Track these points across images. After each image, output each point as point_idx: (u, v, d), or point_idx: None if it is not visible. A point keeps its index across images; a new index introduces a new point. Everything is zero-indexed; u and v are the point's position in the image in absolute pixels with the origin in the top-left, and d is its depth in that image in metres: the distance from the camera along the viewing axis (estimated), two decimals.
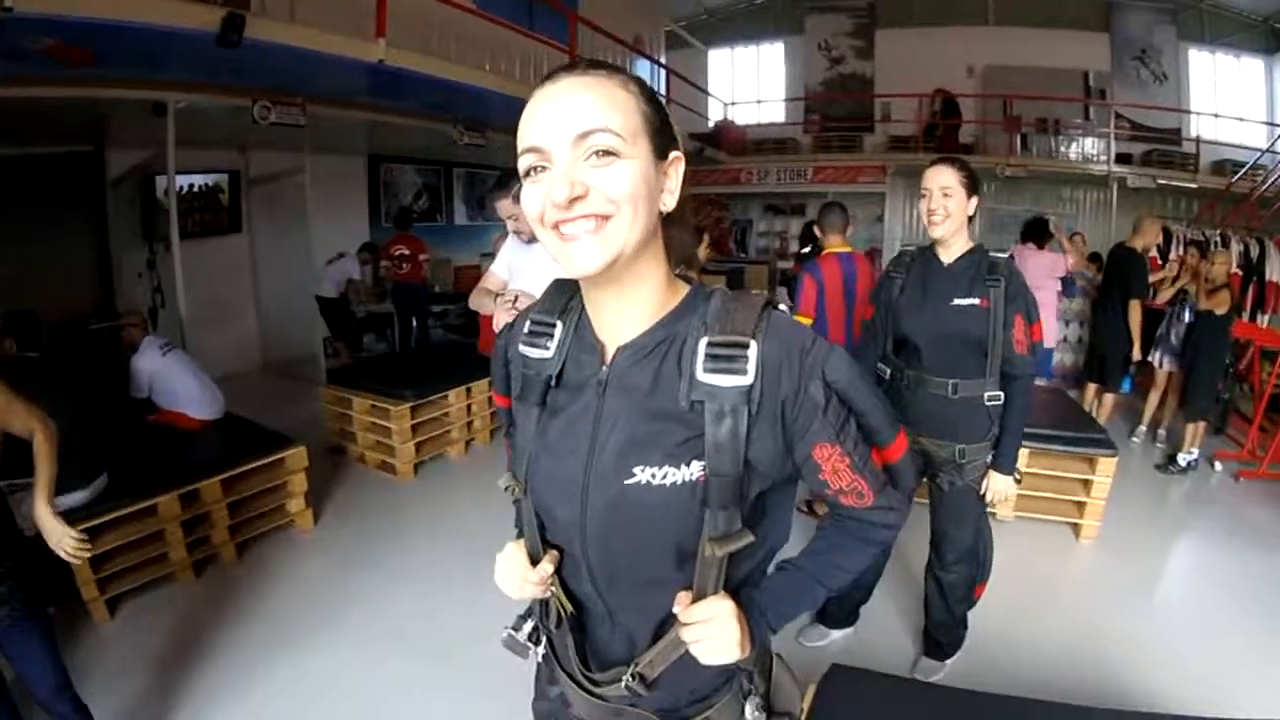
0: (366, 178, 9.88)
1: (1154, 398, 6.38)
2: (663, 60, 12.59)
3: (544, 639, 1.23)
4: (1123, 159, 12.23)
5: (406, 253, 8.22)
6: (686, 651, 1.02)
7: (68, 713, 2.29)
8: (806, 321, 4.00)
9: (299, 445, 4.37)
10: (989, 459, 2.68)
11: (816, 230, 4.30)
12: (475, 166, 11.51)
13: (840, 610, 3.36)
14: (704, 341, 0.96)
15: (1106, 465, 4.31)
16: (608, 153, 0.88)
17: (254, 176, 8.13)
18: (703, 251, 4.60)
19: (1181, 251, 8.54)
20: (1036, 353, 2.60)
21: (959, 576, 2.92)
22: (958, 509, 2.81)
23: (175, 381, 4.43)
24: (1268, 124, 12.23)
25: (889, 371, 2.81)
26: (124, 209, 7.09)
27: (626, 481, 0.97)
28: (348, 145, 8.87)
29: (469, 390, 5.77)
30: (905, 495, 1.12)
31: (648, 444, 0.97)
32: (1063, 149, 13.19)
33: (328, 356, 8.00)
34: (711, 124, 14.24)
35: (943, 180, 2.52)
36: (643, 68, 11.64)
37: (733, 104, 14.98)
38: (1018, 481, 2.75)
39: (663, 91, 11.54)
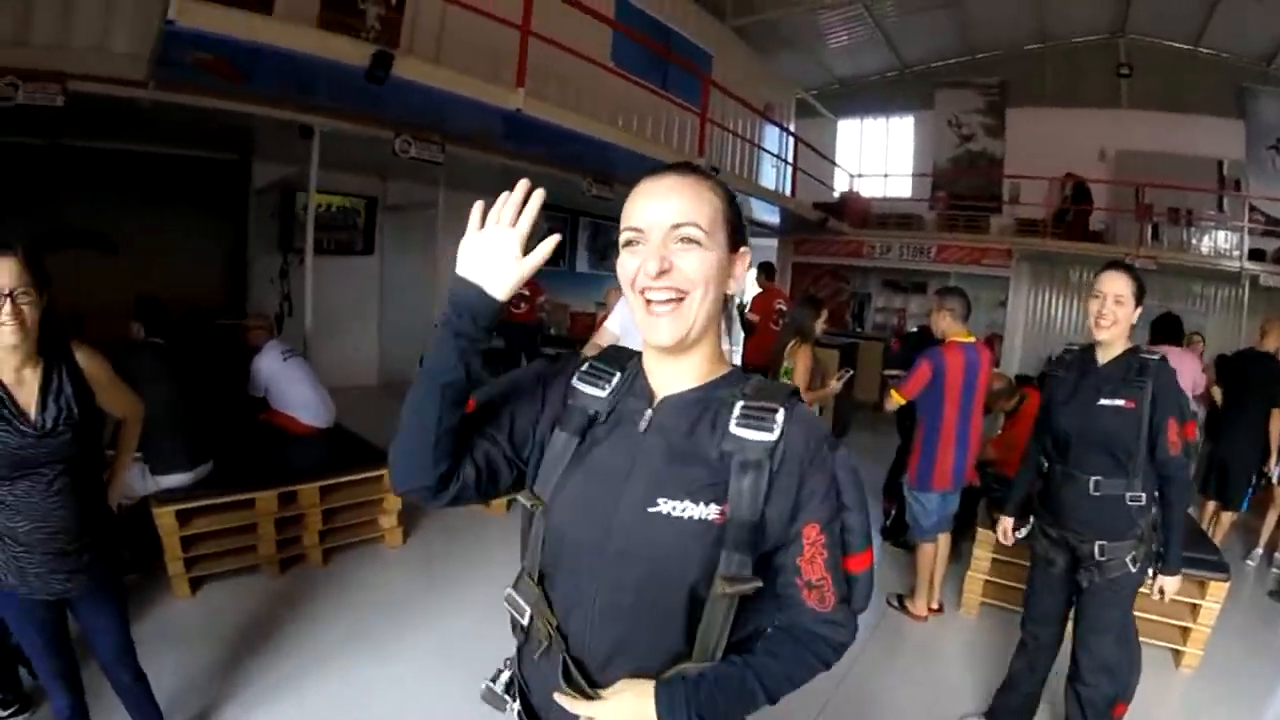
0: None
1: (1272, 517, 5.87)
2: (791, 128, 12.73)
3: (519, 691, 1.30)
4: (1255, 255, 11.44)
5: (525, 293, 8.42)
6: None
7: (127, 680, 2.44)
8: (899, 402, 4.08)
9: None
10: (1129, 559, 2.68)
11: (936, 318, 4.28)
12: (600, 217, 11.87)
13: (1006, 706, 3.26)
14: (740, 404, 1.14)
15: (1218, 590, 3.97)
16: (692, 241, 1.11)
17: (390, 203, 8.64)
18: (819, 324, 4.66)
19: None
20: (1190, 453, 2.73)
21: (1098, 692, 2.83)
22: (1096, 614, 2.78)
23: (291, 386, 4.73)
24: None
25: (1047, 465, 2.94)
26: (264, 218, 7.64)
27: (649, 509, 1.10)
28: (481, 184, 9.12)
29: None
30: (855, 616, 1.22)
31: (675, 480, 1.11)
32: (1194, 241, 12.52)
33: None
34: (836, 194, 14.19)
35: (1118, 288, 2.61)
36: (771, 134, 11.84)
37: (859, 175, 14.94)
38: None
39: (789, 159, 11.69)
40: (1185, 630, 4.04)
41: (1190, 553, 4.07)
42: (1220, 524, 5.76)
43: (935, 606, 4.37)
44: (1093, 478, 2.69)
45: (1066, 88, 13.50)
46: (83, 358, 2.19)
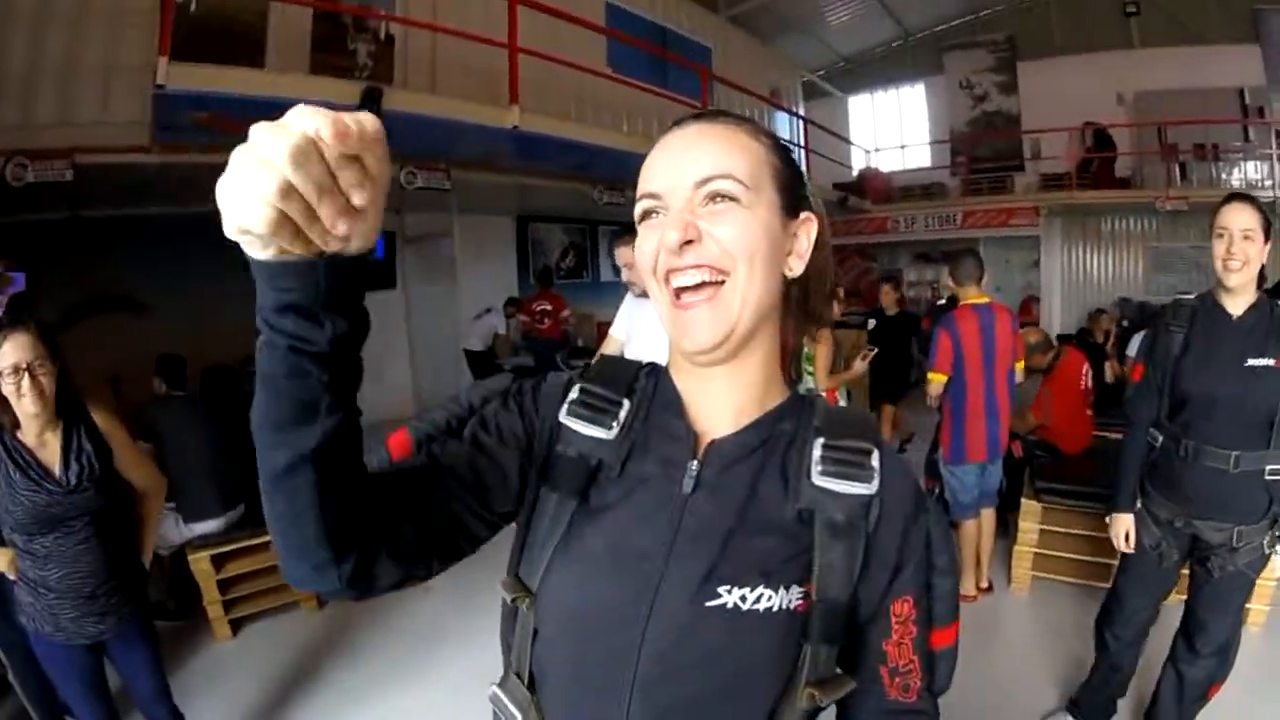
0: (515, 236, 10.40)
1: None
2: (800, 111, 12.66)
3: None
4: None
5: (548, 309, 8.51)
6: None
7: (163, 718, 2.56)
8: (941, 379, 3.87)
9: None
10: (1265, 541, 2.39)
11: (949, 281, 4.12)
12: (618, 224, 11.76)
13: (1091, 702, 3.04)
14: (820, 442, 0.82)
15: None
16: (727, 197, 0.79)
17: (408, 235, 8.75)
18: (836, 308, 4.56)
19: None
20: None
21: (1203, 672, 2.61)
22: (1224, 597, 2.51)
23: None
24: None
25: (1160, 439, 2.54)
26: None
27: (708, 604, 0.77)
28: (495, 206, 9.37)
29: None
30: (935, 703, 0.91)
31: (743, 559, 0.79)
32: (1224, 176, 12.13)
33: None
34: (855, 173, 14.11)
35: (1244, 222, 2.28)
36: (780, 120, 11.77)
37: (876, 150, 14.86)
38: None
39: (801, 143, 11.62)
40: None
41: None
42: None
43: (984, 585, 4.23)
44: (1233, 453, 2.32)
45: (1076, 34, 13.18)
46: (99, 418, 2.33)
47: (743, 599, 0.77)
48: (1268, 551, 2.39)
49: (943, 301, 9.44)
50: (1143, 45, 12.66)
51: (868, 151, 14.70)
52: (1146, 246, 12.61)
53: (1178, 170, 12.02)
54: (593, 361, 1.01)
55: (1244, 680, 3.10)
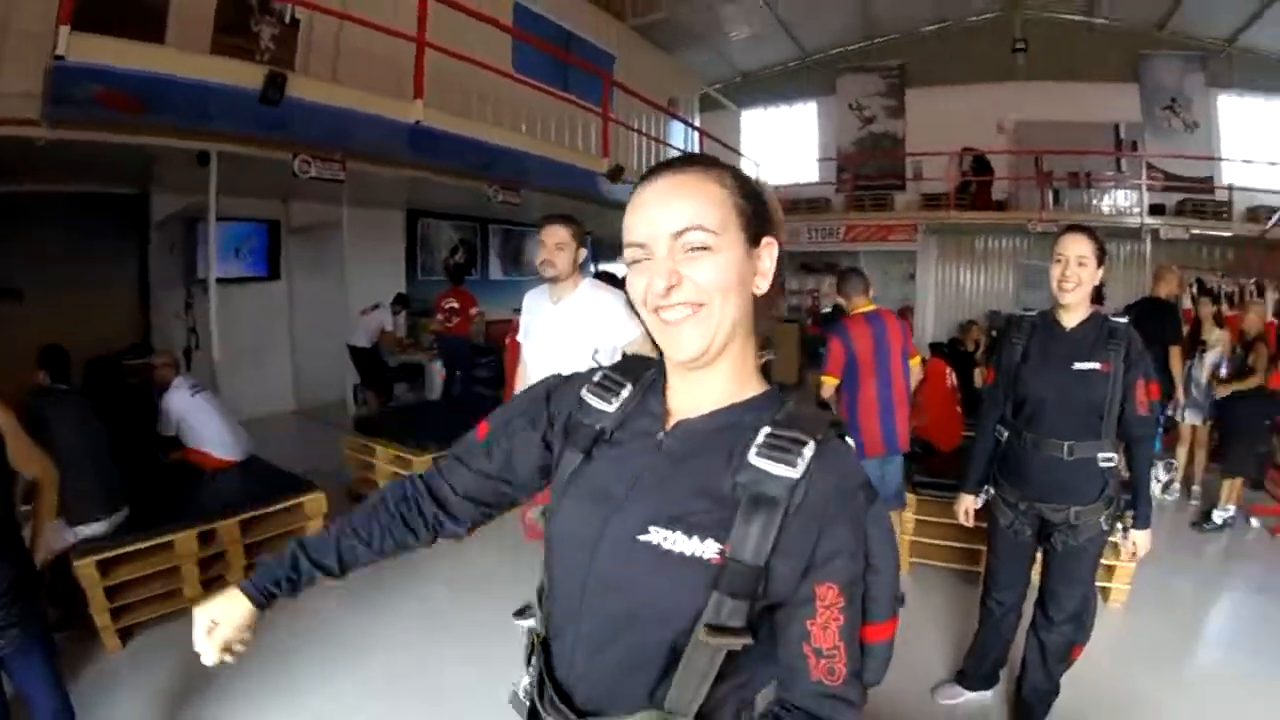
0: (404, 231, 10.16)
1: (1182, 454, 6.29)
2: (696, 122, 12.82)
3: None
4: (1156, 210, 12.24)
5: (456, 306, 8.30)
6: None
7: None
8: (832, 383, 4.04)
9: (318, 491, 4.45)
10: (1101, 519, 2.72)
11: (839, 296, 4.30)
12: (511, 223, 11.80)
13: (977, 672, 3.34)
14: (765, 430, 0.96)
15: (1140, 542, 4.15)
16: (701, 247, 0.96)
17: (294, 226, 8.42)
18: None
19: (1222, 304, 8.53)
20: (1155, 411, 2.73)
21: (1063, 638, 2.92)
22: (1070, 569, 2.83)
23: (202, 422, 4.59)
24: None
25: (1006, 434, 2.88)
26: (166, 251, 7.35)
27: (639, 537, 0.97)
28: (386, 199, 9.12)
29: None
30: (864, 693, 1.01)
31: (673, 509, 0.97)
32: (1095, 202, 13.25)
33: (357, 404, 8.16)
34: None
35: (1079, 250, 2.59)
36: (676, 130, 11.90)
37: (764, 164, 15.15)
38: None
39: (695, 152, 11.77)
40: (1111, 568, 4.20)
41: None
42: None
43: None
44: (1067, 443, 2.67)
45: (964, 66, 14.02)
46: None
47: (665, 539, 0.95)
48: (1105, 528, 2.73)
49: (827, 310, 9.79)
50: (1027, 78, 13.56)
51: (757, 165, 14.98)
52: (1017, 264, 13.46)
53: (1051, 195, 12.93)
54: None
55: (1108, 651, 3.64)
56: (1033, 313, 2.90)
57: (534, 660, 1.15)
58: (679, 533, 0.94)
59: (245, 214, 7.79)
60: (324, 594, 4.11)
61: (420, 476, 1.33)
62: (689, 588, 0.92)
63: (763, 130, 16.37)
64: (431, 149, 6.45)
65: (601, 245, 14.45)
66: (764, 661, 1.01)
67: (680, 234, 0.96)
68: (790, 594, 0.94)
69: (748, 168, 14.53)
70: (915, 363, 4.28)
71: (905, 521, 4.48)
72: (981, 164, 13.32)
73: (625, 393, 1.12)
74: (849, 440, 1.03)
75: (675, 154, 11.61)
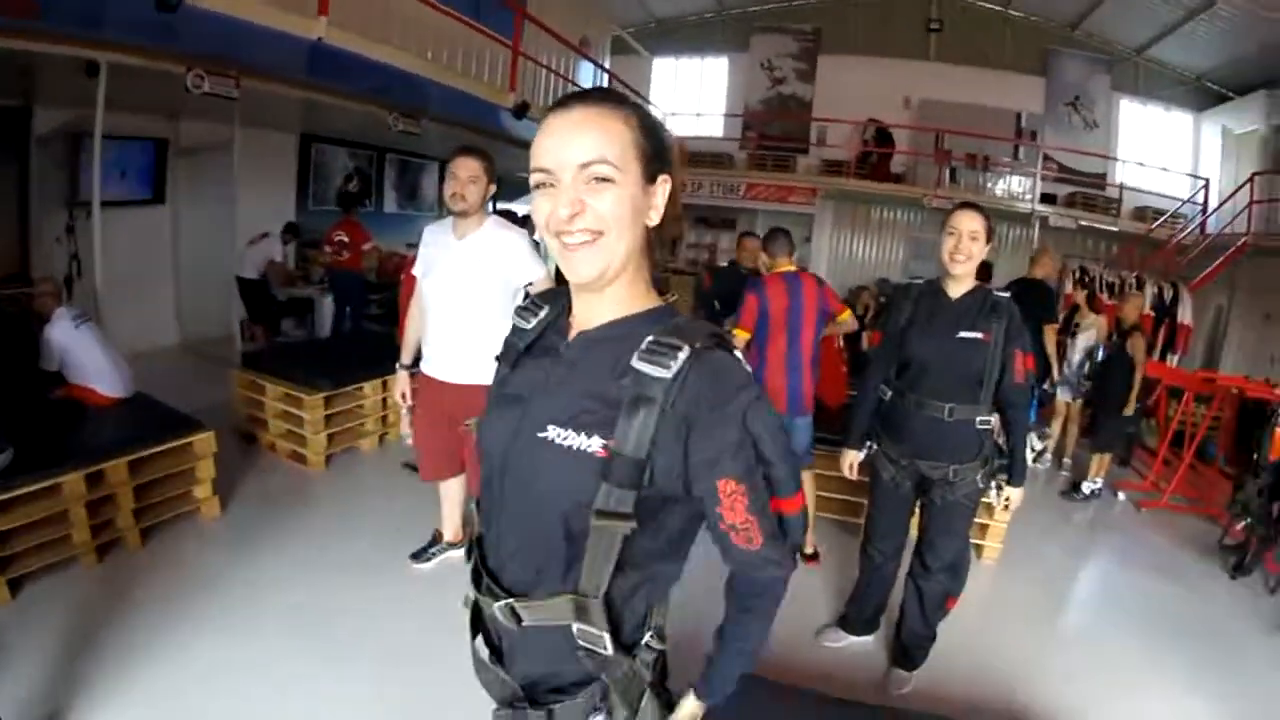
0: (297, 157, 9.64)
1: (1057, 426, 6.72)
2: (606, 65, 12.61)
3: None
4: (1047, 199, 12.92)
5: (346, 239, 7.98)
6: (560, 637, 1.16)
7: None
8: (744, 336, 4.04)
9: (208, 430, 4.24)
10: (978, 477, 2.91)
11: (763, 255, 4.28)
12: (408, 154, 11.43)
13: (859, 618, 3.55)
14: (649, 338, 1.07)
15: (1012, 498, 4.40)
16: (604, 179, 1.06)
17: (182, 146, 7.87)
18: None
19: (1102, 294, 9.06)
20: (1030, 380, 2.93)
21: (938, 585, 3.13)
22: (947, 522, 3.02)
23: (87, 356, 4.29)
24: (1191, 176, 13.07)
25: (890, 394, 3.05)
26: (48, 170, 6.72)
27: (538, 434, 1.12)
28: (280, 121, 8.60)
29: (385, 383, 5.62)
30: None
31: (566, 410, 1.11)
32: (990, 185, 13.78)
33: (244, 339, 7.79)
34: None
35: (971, 225, 2.74)
36: (585, 70, 11.68)
37: (672, 114, 15.10)
38: None
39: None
40: (984, 527, 4.54)
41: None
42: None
43: (809, 552, 4.45)
44: (947, 405, 2.84)
45: (877, 38, 14.38)
46: None
47: (559, 436, 1.10)
48: (980, 485, 2.94)
49: (723, 264, 9.85)
50: (937, 59, 14.10)
51: (665, 113, 14.91)
52: (909, 236, 13.92)
53: (948, 174, 13.39)
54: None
55: (980, 604, 3.98)
56: (920, 281, 3.08)
57: (472, 552, 1.29)
58: (570, 430, 1.09)
59: (132, 132, 7.17)
60: (210, 546, 3.99)
61: None
62: (581, 478, 1.07)
63: (673, 80, 16.25)
64: (332, 70, 6.11)
65: (501, 183, 14.23)
66: (662, 559, 1.20)
67: (586, 165, 1.05)
68: (673, 485, 1.09)
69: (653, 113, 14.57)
70: (845, 316, 4.31)
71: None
72: (884, 136, 13.65)
73: (543, 313, 1.27)
74: (736, 353, 1.13)
75: None
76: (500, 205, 10.82)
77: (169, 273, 8.17)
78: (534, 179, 1.10)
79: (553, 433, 1.10)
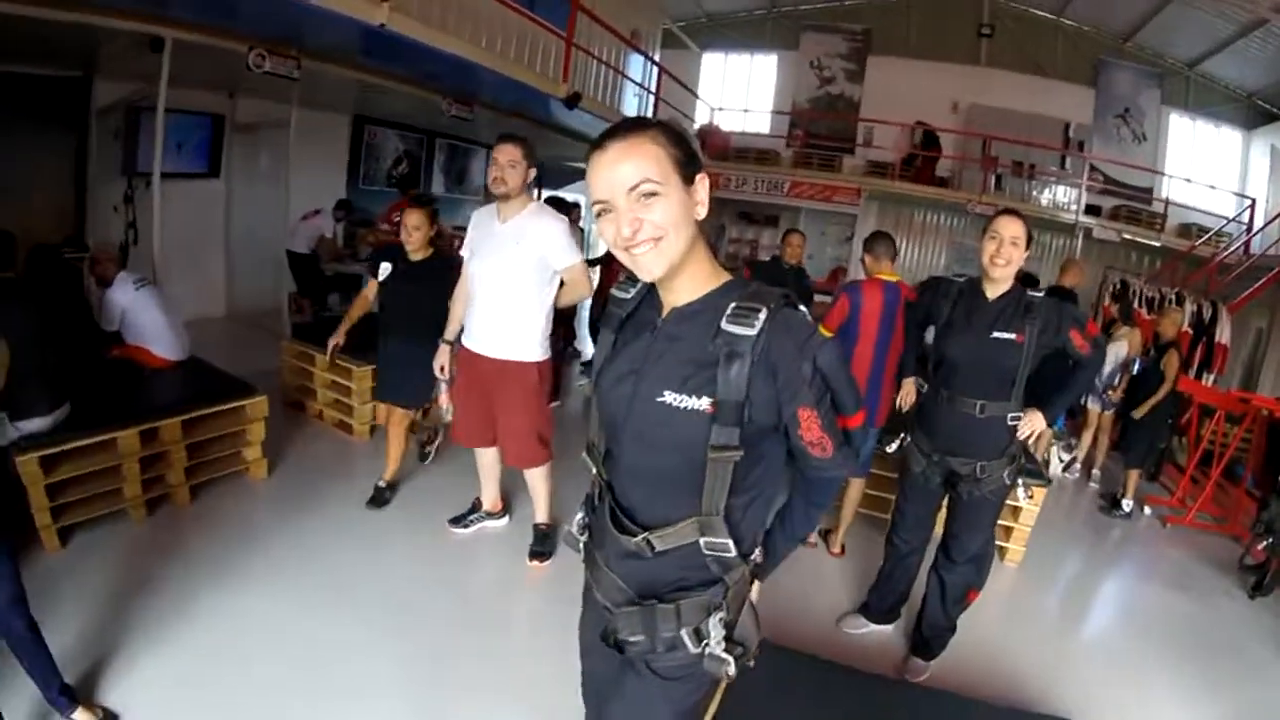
0: (349, 137, 9.83)
1: (1087, 437, 6.68)
2: (656, 57, 12.65)
3: (588, 533, 1.64)
4: (1092, 210, 12.74)
5: (399, 218, 8.09)
6: (687, 552, 1.41)
7: (20, 629, 2.34)
8: (825, 335, 3.99)
9: (261, 395, 4.40)
10: (1005, 474, 3.01)
11: (865, 256, 4.23)
12: (458, 139, 11.52)
13: (880, 606, 3.64)
14: (732, 304, 1.32)
15: (1038, 494, 4.50)
16: (651, 194, 1.28)
17: (239, 122, 8.06)
18: None
19: (1136, 306, 8.98)
20: (1100, 344, 3.07)
21: (961, 578, 3.23)
22: (973, 516, 3.12)
23: (146, 317, 4.46)
24: (1238, 194, 12.85)
25: (926, 388, 3.24)
26: (107, 140, 6.91)
27: (657, 399, 1.35)
28: (335, 102, 8.78)
29: None
30: (855, 453, 1.49)
31: (676, 377, 1.35)
32: (1035, 193, 13.63)
33: (291, 312, 7.96)
34: (696, 126, 14.28)
35: (1014, 231, 2.84)
36: (635, 63, 11.72)
37: (720, 109, 15.09)
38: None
39: (653, 88, 11.65)
40: (1009, 529, 4.58)
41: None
42: (1041, 439, 6.27)
43: (836, 550, 4.49)
44: (979, 402, 2.93)
45: (928, 41, 14.32)
46: None
47: (674, 400, 1.34)
48: (1008, 482, 3.04)
49: (764, 259, 9.82)
50: (988, 64, 14.01)
51: (712, 109, 14.91)
52: (951, 241, 13.82)
53: (993, 180, 13.27)
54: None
55: (999, 604, 4.08)
56: (961, 279, 3.14)
57: (602, 494, 1.53)
58: (684, 394, 1.33)
59: (191, 107, 7.36)
60: (257, 506, 4.12)
61: None
62: (697, 428, 1.32)
63: (721, 75, 16.23)
64: (390, 54, 6.25)
65: (550, 171, 14.32)
66: (764, 483, 1.45)
67: (634, 188, 1.27)
68: (770, 417, 1.34)
69: (702, 111, 14.63)
70: None
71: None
72: (931, 139, 13.55)
73: (640, 285, 1.51)
74: (801, 308, 1.37)
75: (633, 86, 11.50)
76: (549, 192, 10.94)
77: (220, 245, 8.38)
78: (595, 209, 1.33)
79: (670, 397, 1.34)
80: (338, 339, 4.51)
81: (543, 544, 3.98)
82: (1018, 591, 4.38)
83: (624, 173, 1.28)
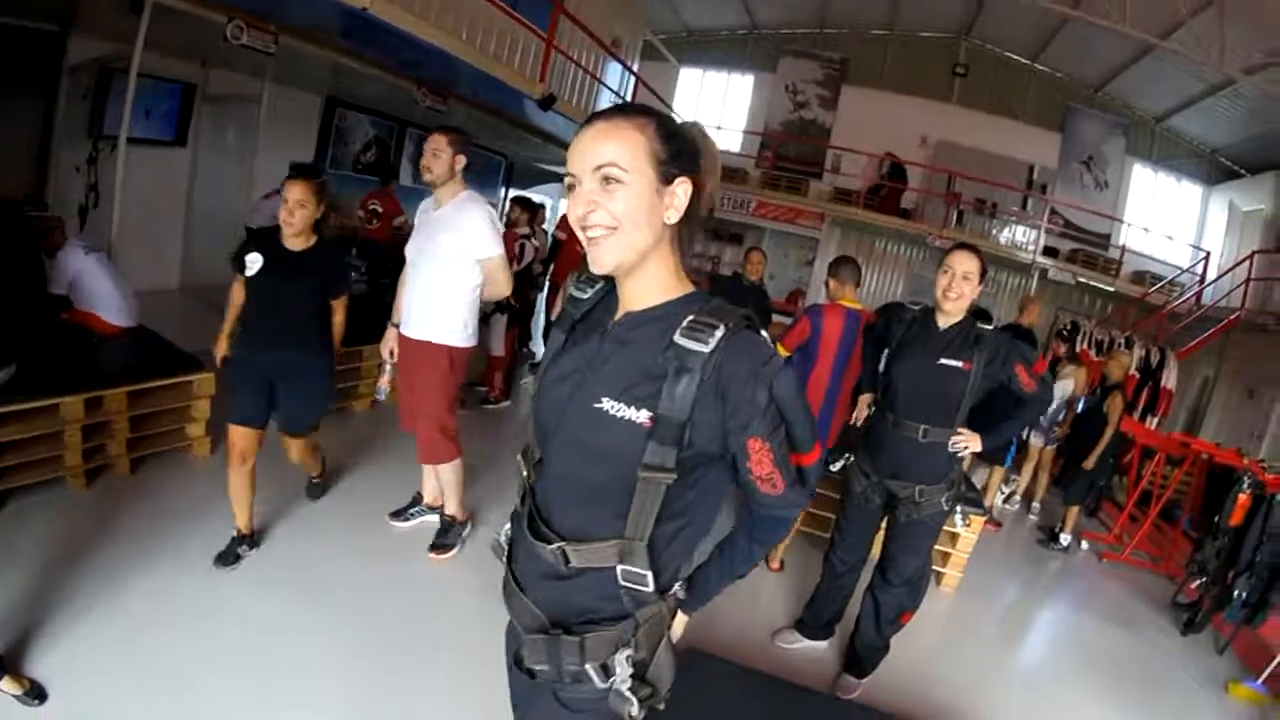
0: (320, 118, 9.68)
1: (1028, 470, 6.86)
2: (635, 67, 12.70)
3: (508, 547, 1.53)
4: (1049, 252, 13.13)
5: (379, 209, 8.06)
6: (600, 574, 1.32)
7: None
8: (783, 354, 4.01)
9: (209, 371, 4.32)
10: (943, 499, 3.08)
11: (830, 280, 4.28)
12: (428, 130, 11.34)
13: (815, 623, 3.69)
14: (689, 318, 1.23)
15: (975, 523, 4.61)
16: (614, 180, 1.21)
17: (210, 93, 7.92)
18: None
19: (1085, 346, 9.21)
20: (1048, 383, 3.10)
21: (896, 599, 3.28)
22: (911, 539, 3.18)
23: (96, 283, 4.37)
24: (1194, 246, 13.35)
25: (873, 411, 3.33)
26: (75, 99, 6.72)
27: (594, 404, 1.26)
28: (308, 81, 8.61)
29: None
30: (808, 493, 1.38)
31: (617, 384, 1.26)
32: (995, 231, 13.96)
33: None
34: None
35: (966, 266, 2.91)
36: (613, 70, 11.76)
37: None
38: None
39: (629, 97, 11.69)
40: (946, 555, 4.68)
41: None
42: (993, 476, 6.44)
43: (775, 566, 4.54)
44: (923, 426, 2.99)
45: (903, 75, 14.68)
46: None
47: (612, 407, 1.24)
48: (946, 508, 3.11)
49: (728, 275, 9.93)
50: (959, 103, 14.39)
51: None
52: (909, 271, 14.14)
53: (955, 215, 13.61)
54: None
55: (935, 627, 4.17)
56: (917, 306, 3.20)
57: (525, 501, 1.43)
58: (622, 403, 1.23)
59: (163, 73, 7.18)
60: (198, 482, 4.05)
61: None
62: (632, 443, 1.22)
63: (698, 91, 16.40)
64: (370, 39, 6.23)
65: (516, 170, 14.26)
66: (695, 511, 1.35)
67: (599, 169, 1.21)
68: (714, 444, 1.25)
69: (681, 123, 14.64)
70: None
71: None
72: (898, 171, 13.86)
73: (599, 286, 1.43)
74: (763, 333, 1.28)
75: (609, 94, 11.53)
76: (517, 191, 10.90)
77: (180, 216, 8.16)
78: (566, 182, 1.27)
79: (607, 404, 1.25)
80: (222, 350, 3.71)
81: (444, 536, 3.96)
82: (954, 616, 4.48)
83: (596, 151, 1.22)
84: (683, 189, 1.27)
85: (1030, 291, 12.52)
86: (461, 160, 3.50)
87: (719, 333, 1.20)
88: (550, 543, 1.33)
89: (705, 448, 1.25)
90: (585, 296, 1.44)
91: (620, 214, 1.22)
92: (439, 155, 3.45)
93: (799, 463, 1.35)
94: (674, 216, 1.27)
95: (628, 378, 1.26)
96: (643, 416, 1.22)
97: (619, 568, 1.31)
